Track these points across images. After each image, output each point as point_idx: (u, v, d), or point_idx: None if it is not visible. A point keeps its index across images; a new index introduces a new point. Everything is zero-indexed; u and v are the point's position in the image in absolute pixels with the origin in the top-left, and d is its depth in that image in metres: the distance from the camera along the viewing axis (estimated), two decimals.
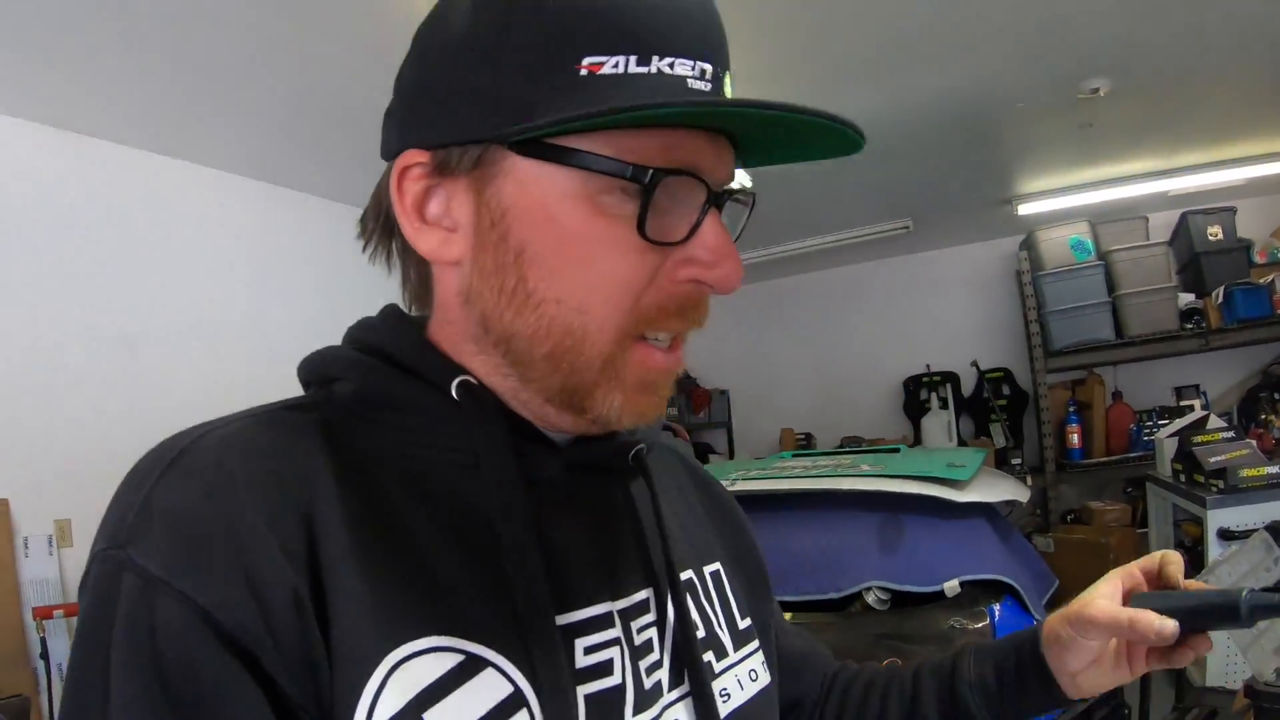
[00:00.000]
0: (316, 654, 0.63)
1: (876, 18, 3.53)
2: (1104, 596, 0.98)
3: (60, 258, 3.75)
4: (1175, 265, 6.38)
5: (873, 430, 8.02)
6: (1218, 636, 0.94)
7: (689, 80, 0.70)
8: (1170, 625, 0.92)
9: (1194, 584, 0.98)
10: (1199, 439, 4.29)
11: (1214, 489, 3.86)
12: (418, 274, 0.85)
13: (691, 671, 0.84)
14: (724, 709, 0.88)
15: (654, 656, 0.83)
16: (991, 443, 7.32)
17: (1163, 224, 6.62)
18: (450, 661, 0.67)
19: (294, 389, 0.84)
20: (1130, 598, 0.99)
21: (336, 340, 0.84)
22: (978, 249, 7.84)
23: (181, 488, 0.65)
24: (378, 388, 0.77)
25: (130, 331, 3.98)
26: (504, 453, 0.75)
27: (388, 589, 0.67)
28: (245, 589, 0.61)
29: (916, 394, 7.95)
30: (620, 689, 0.77)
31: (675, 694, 0.83)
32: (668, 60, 0.69)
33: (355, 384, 0.77)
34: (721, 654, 0.92)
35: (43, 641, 3.56)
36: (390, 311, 0.86)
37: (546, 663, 0.70)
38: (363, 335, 0.83)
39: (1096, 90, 4.43)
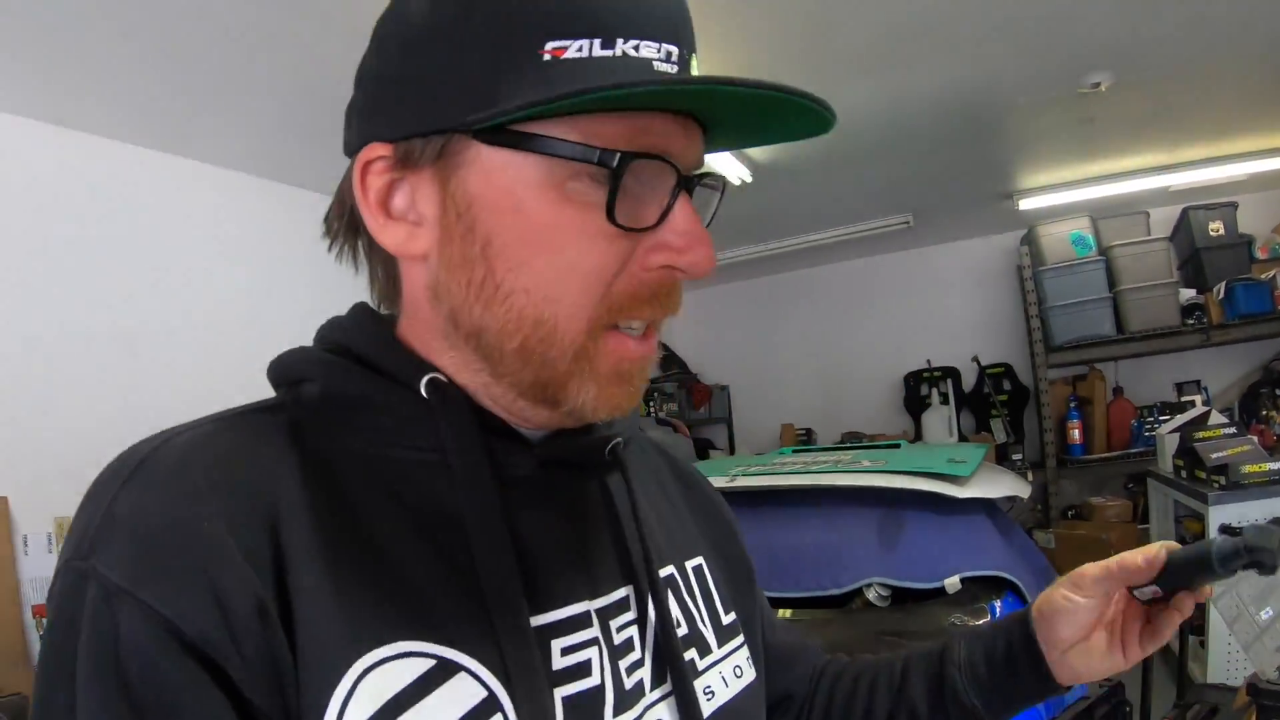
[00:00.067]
0: (282, 662, 0.62)
1: (876, 11, 3.52)
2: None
3: (58, 255, 3.73)
4: (1176, 261, 6.38)
5: (873, 426, 8.02)
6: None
7: (655, 62, 0.69)
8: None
9: (1171, 544, 0.97)
10: (1200, 435, 4.29)
11: (1215, 485, 3.86)
12: (385, 271, 0.84)
13: (673, 671, 0.83)
14: (709, 707, 0.87)
15: (635, 655, 0.82)
16: (992, 438, 7.31)
17: (1164, 219, 6.61)
18: (421, 667, 0.66)
19: None
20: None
21: None
22: (978, 244, 7.83)
23: (144, 496, 0.64)
24: (344, 388, 0.76)
25: (129, 328, 3.97)
26: (474, 451, 0.74)
27: (356, 593, 0.66)
28: (208, 598, 0.61)
29: (917, 389, 7.94)
30: (599, 690, 0.76)
31: (657, 694, 0.82)
32: (633, 43, 0.68)
33: (322, 384, 0.76)
34: (705, 651, 0.91)
35: None
36: (359, 310, 0.85)
37: (521, 665, 0.69)
38: (331, 334, 0.82)
39: (1098, 85, 4.41)
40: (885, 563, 3.03)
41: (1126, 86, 4.48)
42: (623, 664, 0.80)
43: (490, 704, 0.68)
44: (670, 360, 8.67)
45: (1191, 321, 6.24)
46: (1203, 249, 6.30)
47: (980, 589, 2.92)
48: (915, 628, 2.72)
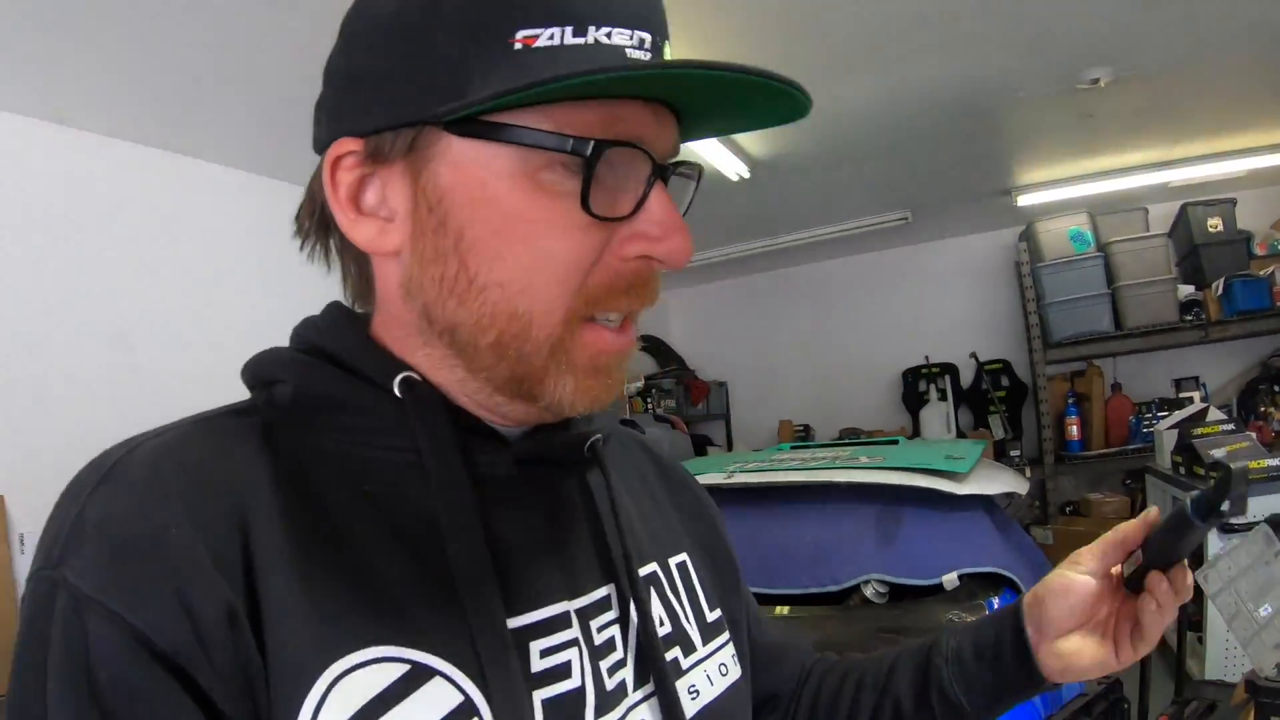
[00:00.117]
0: (253, 670, 0.62)
1: (874, 6, 3.51)
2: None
3: (54, 253, 3.71)
4: (1175, 257, 6.38)
5: (871, 422, 8.01)
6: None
7: (627, 50, 0.68)
8: (1153, 510, 0.94)
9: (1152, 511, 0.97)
10: (1199, 431, 4.29)
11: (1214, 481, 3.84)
12: (358, 269, 0.83)
13: (654, 672, 0.82)
14: (693, 706, 0.86)
15: (617, 656, 0.81)
16: (990, 434, 7.31)
17: (1162, 215, 6.61)
18: (395, 672, 0.65)
19: None
20: None
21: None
22: (977, 240, 7.82)
23: (113, 503, 0.64)
24: (316, 388, 0.75)
25: (125, 325, 3.96)
26: (448, 450, 0.74)
27: (327, 598, 0.65)
28: (177, 606, 0.60)
29: (915, 385, 7.94)
30: (580, 692, 0.75)
31: (640, 694, 0.81)
32: (605, 30, 0.66)
33: (294, 385, 0.75)
34: (689, 649, 0.90)
35: None
36: (333, 308, 0.84)
37: (498, 668, 0.68)
38: (305, 334, 0.81)
39: (1097, 80, 4.41)
40: (883, 559, 3.03)
41: (1125, 82, 4.47)
42: (604, 665, 0.79)
43: (466, 709, 0.67)
44: (668, 356, 8.66)
45: (1190, 318, 6.25)
46: (1201, 245, 6.31)
47: (978, 586, 2.92)
48: (913, 625, 2.71)
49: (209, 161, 4.41)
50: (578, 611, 0.79)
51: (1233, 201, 6.30)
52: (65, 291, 3.74)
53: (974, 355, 7.61)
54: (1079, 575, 0.97)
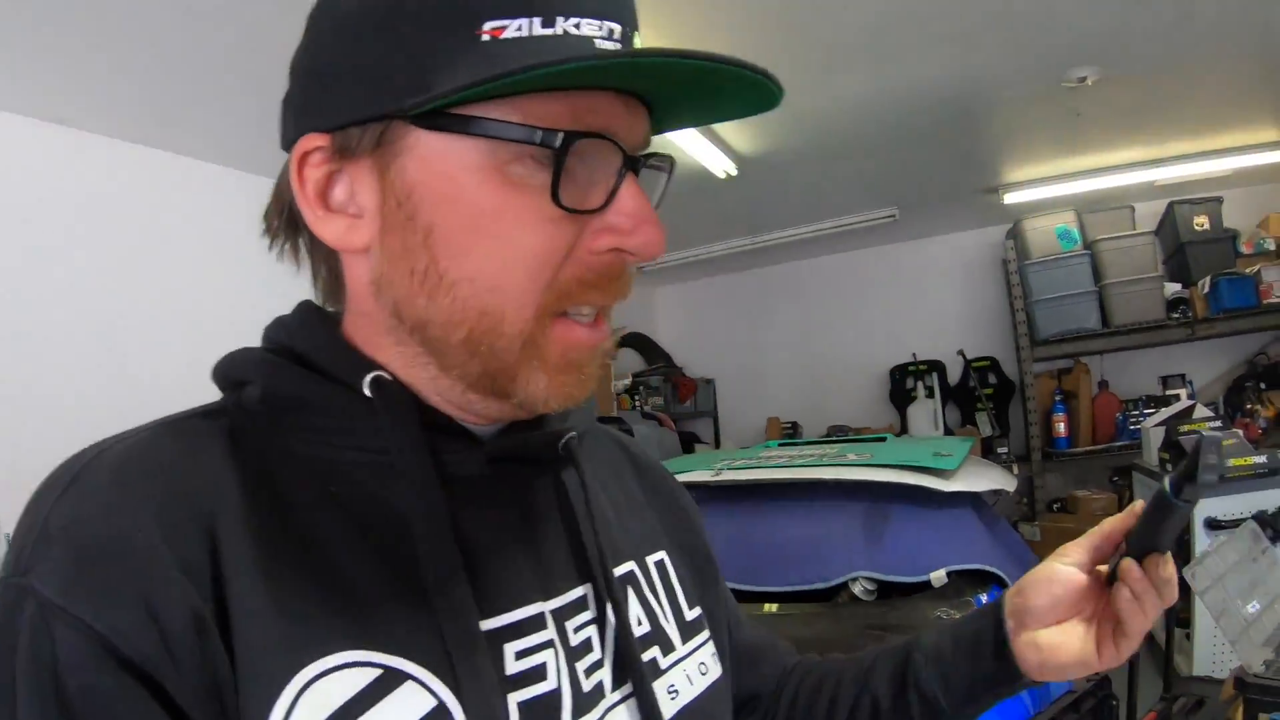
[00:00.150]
0: (221, 676, 0.61)
1: (862, 4, 3.51)
2: None
3: (38, 249, 3.68)
4: (1161, 255, 6.40)
5: (859, 419, 8.01)
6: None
7: (597, 40, 0.67)
8: (1139, 504, 0.92)
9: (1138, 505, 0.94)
10: (1185, 428, 4.30)
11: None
12: (328, 267, 0.82)
13: (631, 674, 0.81)
14: (673, 706, 0.85)
15: (594, 656, 0.80)
16: (978, 431, 7.34)
17: (1149, 213, 6.63)
18: (366, 677, 0.64)
19: None
20: None
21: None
22: (964, 238, 7.84)
23: (78, 509, 0.63)
24: (285, 389, 0.74)
25: (110, 324, 3.93)
26: (418, 450, 0.73)
27: (297, 602, 0.64)
28: (144, 612, 0.59)
29: (903, 383, 7.95)
30: (556, 694, 0.74)
31: (618, 695, 0.80)
32: (573, 20, 0.65)
33: (263, 386, 0.74)
34: (668, 648, 0.89)
35: None
36: (303, 307, 0.83)
37: (471, 672, 0.67)
38: (276, 334, 0.81)
39: (1084, 79, 4.42)
40: (871, 557, 3.04)
41: (1112, 80, 4.48)
42: (580, 666, 0.78)
43: (440, 713, 0.66)
44: (656, 354, 8.66)
45: (1176, 315, 6.27)
46: (1188, 243, 6.32)
47: (966, 583, 2.92)
48: (901, 622, 2.72)
49: (193, 158, 4.39)
50: (553, 612, 0.78)
51: (1219, 200, 6.32)
52: (47, 288, 3.71)
53: (961, 353, 7.62)
54: (1063, 566, 0.95)
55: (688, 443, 7.93)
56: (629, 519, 0.97)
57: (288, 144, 0.74)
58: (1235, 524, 3.40)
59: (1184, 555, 3.50)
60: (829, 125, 4.87)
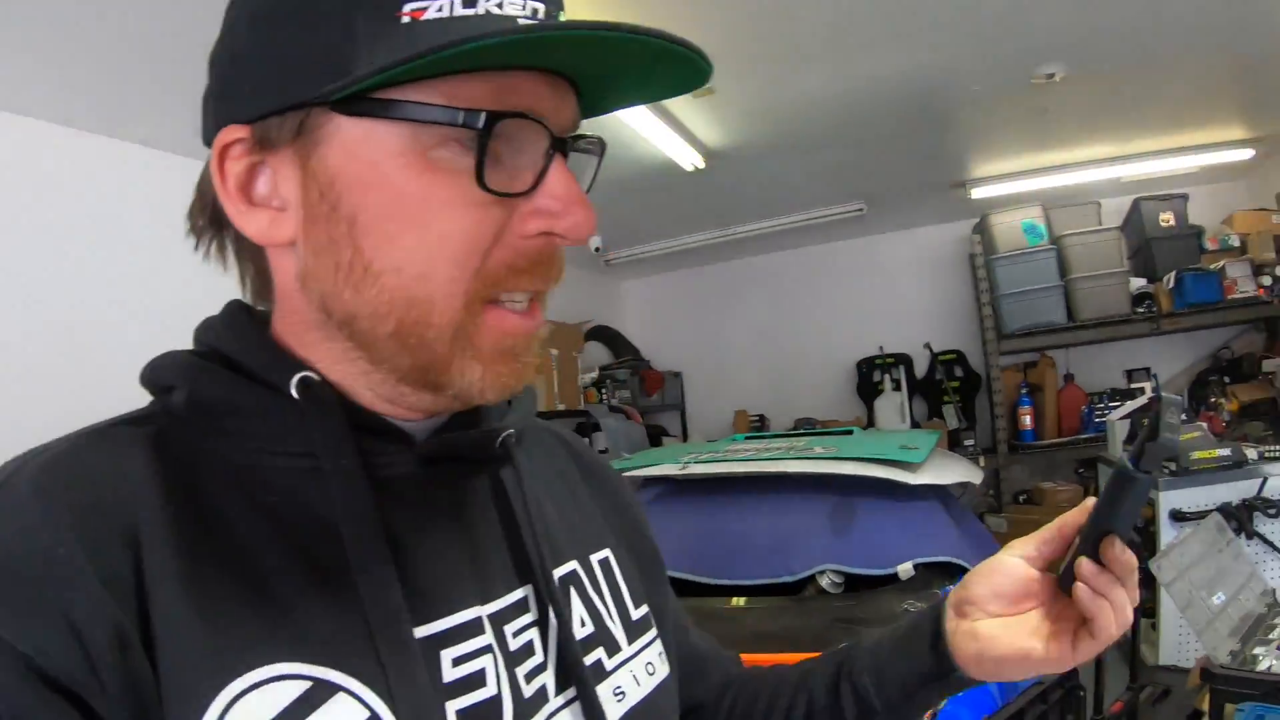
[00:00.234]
0: (145, 693, 0.59)
1: None
2: None
3: None
4: (1127, 250, 6.44)
5: (826, 412, 8.05)
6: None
7: (520, 19, 0.65)
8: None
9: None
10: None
11: (1166, 471, 3.89)
12: (254, 265, 0.79)
13: (574, 677, 0.79)
14: (619, 709, 0.84)
15: (536, 660, 0.78)
16: (944, 424, 7.38)
17: (1115, 209, 6.68)
18: (296, 690, 0.62)
19: None
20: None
21: None
22: (931, 232, 7.88)
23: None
24: (210, 394, 0.72)
25: (72, 319, 3.87)
26: (346, 453, 0.70)
27: (223, 614, 0.62)
28: (65, 630, 0.57)
29: (870, 376, 7.99)
30: (496, 701, 0.72)
31: (561, 699, 0.78)
32: (496, 0, 0.64)
33: (188, 391, 0.72)
34: (614, 650, 0.87)
35: None
36: (231, 307, 0.80)
37: (404, 681, 0.65)
38: (204, 336, 0.78)
39: (1052, 76, 4.44)
40: (838, 550, 3.04)
41: (1080, 78, 4.51)
42: (521, 671, 0.76)
43: None
44: (623, 347, 8.65)
45: (1141, 310, 6.31)
46: (1153, 239, 6.38)
47: (933, 575, 2.93)
48: (868, 615, 2.72)
49: (157, 149, 4.33)
50: (490, 616, 0.76)
51: (1185, 197, 6.38)
52: (6, 284, 3.65)
53: (928, 346, 7.67)
54: (1007, 557, 0.93)
55: (655, 436, 7.93)
56: (572, 517, 0.95)
57: (208, 138, 0.72)
58: (1200, 516, 3.44)
59: (1150, 547, 3.53)
60: (797, 119, 4.88)
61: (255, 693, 0.60)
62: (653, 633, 0.95)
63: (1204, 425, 4.29)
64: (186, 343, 0.79)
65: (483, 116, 0.63)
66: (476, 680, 0.71)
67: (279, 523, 0.68)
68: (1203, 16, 3.93)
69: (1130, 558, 0.85)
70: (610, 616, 0.89)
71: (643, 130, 4.48)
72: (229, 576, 0.63)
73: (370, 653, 0.65)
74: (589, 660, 0.83)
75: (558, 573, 0.85)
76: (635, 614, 0.93)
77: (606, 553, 0.95)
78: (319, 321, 0.72)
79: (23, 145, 3.74)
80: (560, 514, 0.92)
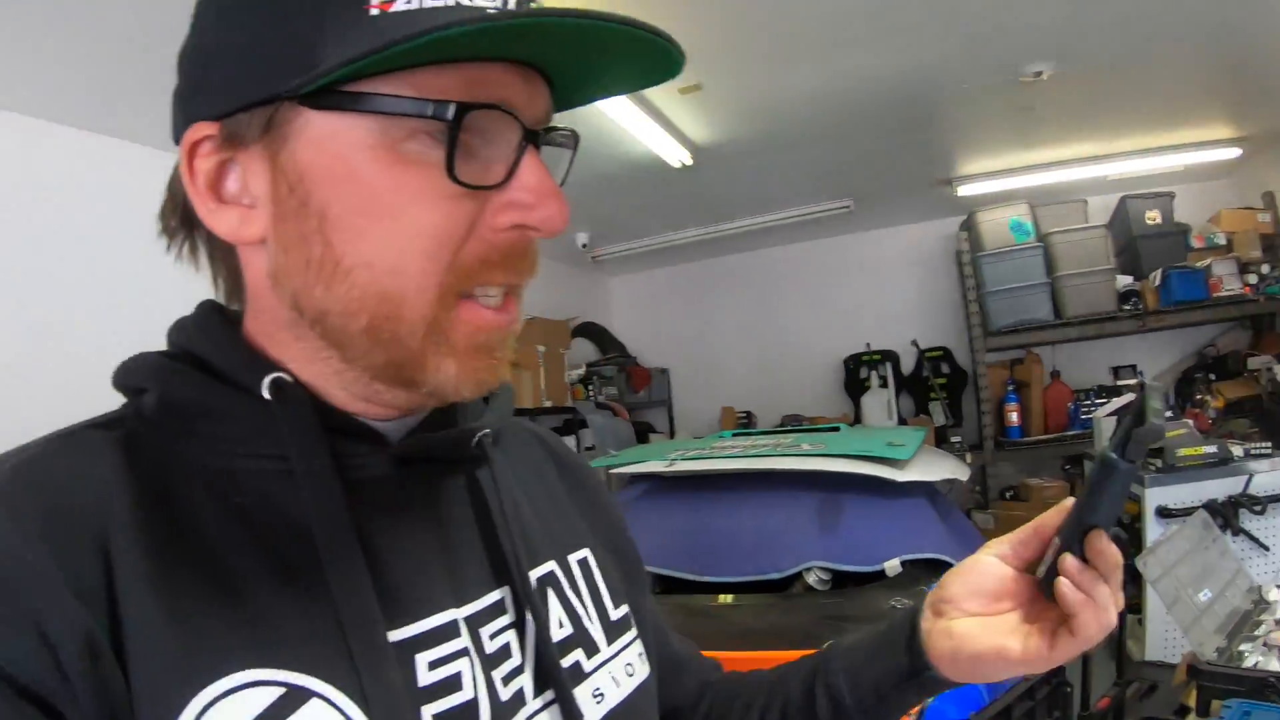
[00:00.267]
0: (117, 701, 0.58)
1: None
2: None
3: None
4: (1114, 248, 6.44)
5: (813, 409, 8.06)
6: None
7: (490, 10, 0.64)
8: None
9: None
10: None
11: (1152, 468, 3.90)
12: (226, 264, 0.79)
13: (551, 680, 0.79)
14: (598, 710, 0.83)
15: (513, 663, 0.77)
16: (931, 421, 7.39)
17: (1102, 207, 6.69)
18: (269, 697, 0.61)
19: None
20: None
21: None
22: (918, 229, 7.88)
23: None
24: (181, 396, 0.71)
25: (56, 316, 3.84)
26: (318, 455, 0.69)
27: (194, 620, 0.61)
28: (36, 638, 0.56)
29: (857, 372, 7.99)
30: (473, 705, 0.71)
31: (539, 702, 0.78)
32: None
33: (159, 393, 0.72)
34: (593, 651, 0.86)
35: None
36: (203, 307, 0.80)
37: (379, 686, 0.64)
38: (176, 337, 0.77)
39: (1039, 74, 4.45)
40: (825, 546, 3.04)
41: (1067, 76, 4.52)
42: (498, 674, 0.75)
43: None
44: (610, 343, 8.64)
45: (1128, 307, 6.32)
46: (1140, 237, 6.38)
47: (920, 572, 2.93)
48: (855, 612, 2.72)
49: (142, 144, 4.30)
50: (467, 619, 0.75)
51: (1171, 195, 6.39)
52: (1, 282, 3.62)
53: (915, 343, 7.68)
54: (985, 556, 0.92)
55: (642, 433, 7.93)
56: (550, 517, 0.94)
57: (178, 136, 0.71)
58: (1186, 513, 3.45)
59: (1136, 544, 3.54)
60: (784, 116, 4.87)
61: (227, 700, 0.59)
62: (632, 633, 0.94)
63: (1190, 422, 4.30)
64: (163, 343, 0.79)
65: (452, 108, 0.63)
66: (453, 684, 0.71)
67: (252, 526, 0.67)
68: (1190, 16, 3.94)
69: (1116, 552, 0.84)
70: (589, 617, 0.89)
71: (630, 127, 4.46)
72: (201, 581, 0.63)
73: (344, 657, 0.64)
74: (567, 662, 0.82)
75: (535, 574, 0.84)
76: (615, 614, 0.93)
77: (585, 553, 0.94)
78: (291, 320, 0.71)
79: (18, 142, 3.72)
80: (538, 514, 0.91)
